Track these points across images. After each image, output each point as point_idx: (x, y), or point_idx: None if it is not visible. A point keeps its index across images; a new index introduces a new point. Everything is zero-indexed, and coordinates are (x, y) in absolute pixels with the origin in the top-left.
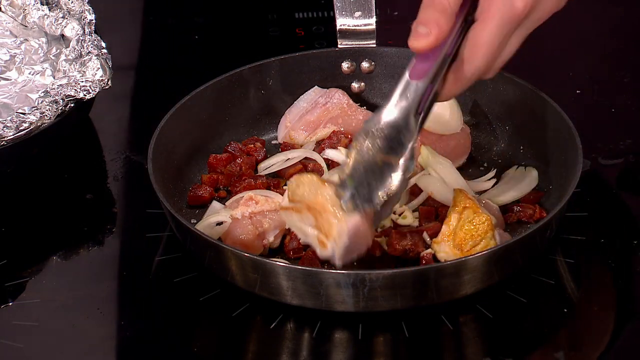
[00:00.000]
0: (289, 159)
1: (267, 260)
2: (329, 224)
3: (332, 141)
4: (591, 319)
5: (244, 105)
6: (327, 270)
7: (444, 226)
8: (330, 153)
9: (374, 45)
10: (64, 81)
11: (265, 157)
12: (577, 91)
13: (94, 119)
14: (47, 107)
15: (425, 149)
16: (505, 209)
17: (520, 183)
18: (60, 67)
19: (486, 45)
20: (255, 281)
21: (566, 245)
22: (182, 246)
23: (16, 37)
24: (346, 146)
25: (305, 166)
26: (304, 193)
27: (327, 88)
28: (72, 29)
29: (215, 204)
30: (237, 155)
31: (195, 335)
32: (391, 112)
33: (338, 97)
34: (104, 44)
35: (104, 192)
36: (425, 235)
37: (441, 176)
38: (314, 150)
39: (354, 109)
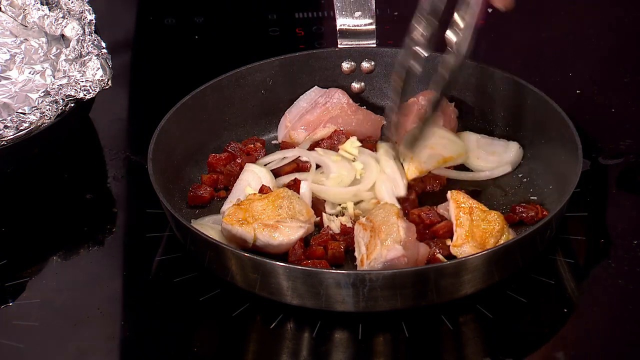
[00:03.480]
0: (285, 157)
1: (267, 261)
2: (374, 247)
3: (332, 141)
4: (591, 319)
5: (244, 105)
6: (327, 270)
7: (458, 229)
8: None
9: (374, 45)
10: (64, 81)
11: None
12: (577, 91)
13: (94, 119)
14: (47, 107)
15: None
16: (506, 209)
17: (501, 155)
18: (60, 67)
19: None
20: (255, 281)
21: (566, 245)
22: (182, 246)
23: (16, 37)
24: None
25: (298, 165)
26: (377, 216)
27: (327, 88)
28: (72, 29)
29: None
30: (236, 155)
31: (195, 335)
32: None
33: (338, 97)
34: (104, 44)
35: (104, 192)
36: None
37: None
38: (308, 148)
39: (354, 108)
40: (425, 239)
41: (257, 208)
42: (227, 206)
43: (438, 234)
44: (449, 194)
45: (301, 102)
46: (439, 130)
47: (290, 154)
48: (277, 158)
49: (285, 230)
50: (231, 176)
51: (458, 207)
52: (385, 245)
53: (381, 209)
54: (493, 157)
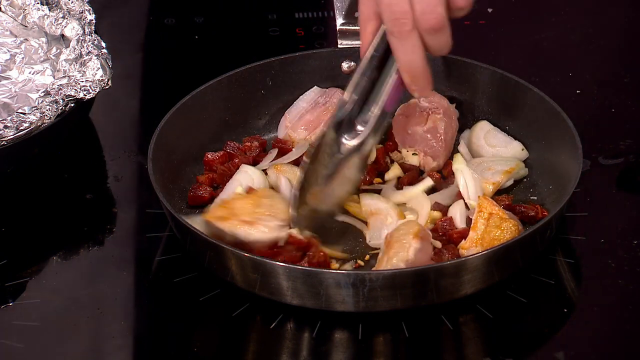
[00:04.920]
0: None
1: (267, 260)
2: (381, 262)
3: None
4: (591, 319)
5: (244, 105)
6: (327, 270)
7: (471, 232)
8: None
9: None
10: (64, 81)
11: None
12: (577, 91)
13: (94, 119)
14: (47, 107)
15: (459, 157)
16: (507, 209)
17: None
18: (60, 67)
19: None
20: (255, 281)
21: (566, 245)
22: (182, 246)
23: (16, 37)
24: None
25: None
26: (398, 231)
27: (327, 88)
28: (72, 29)
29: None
30: (234, 154)
31: (195, 335)
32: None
33: (338, 97)
34: (104, 44)
35: (104, 192)
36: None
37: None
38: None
39: None
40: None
41: (236, 205)
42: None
43: (452, 239)
44: (478, 198)
45: (301, 102)
46: (484, 158)
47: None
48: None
49: (261, 228)
50: (225, 175)
51: (480, 211)
52: (390, 263)
53: (404, 225)
54: (493, 150)
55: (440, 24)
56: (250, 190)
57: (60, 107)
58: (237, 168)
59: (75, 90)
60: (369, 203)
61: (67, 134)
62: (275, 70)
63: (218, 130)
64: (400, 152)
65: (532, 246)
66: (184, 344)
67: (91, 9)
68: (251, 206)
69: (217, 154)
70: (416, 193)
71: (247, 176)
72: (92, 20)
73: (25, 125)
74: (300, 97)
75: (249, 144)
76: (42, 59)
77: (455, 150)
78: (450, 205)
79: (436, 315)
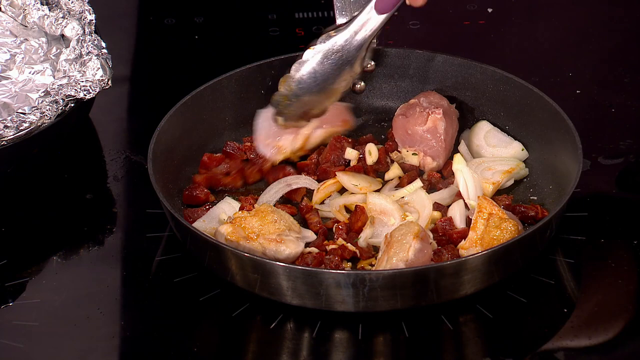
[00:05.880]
0: (289, 184)
1: (267, 261)
2: (381, 261)
3: (335, 150)
4: (591, 319)
5: (244, 105)
6: (327, 270)
7: (470, 232)
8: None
9: (374, 45)
10: (64, 81)
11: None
12: (577, 91)
13: (94, 119)
14: (47, 107)
15: (459, 157)
16: (507, 209)
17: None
18: (60, 67)
19: None
20: (255, 281)
21: (566, 245)
22: (182, 246)
23: (16, 37)
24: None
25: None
26: (398, 231)
27: None
28: (72, 29)
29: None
30: (234, 154)
31: (195, 335)
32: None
33: None
34: (104, 44)
35: (104, 192)
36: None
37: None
38: (316, 157)
39: None
40: (441, 244)
41: (254, 224)
42: (200, 226)
43: (452, 239)
44: (477, 198)
45: (261, 122)
46: (484, 158)
47: (294, 181)
48: (282, 185)
49: (290, 243)
50: (217, 177)
51: (479, 211)
52: (390, 263)
53: (404, 226)
54: (493, 150)
55: None
56: (248, 208)
57: (60, 107)
58: (232, 169)
59: (75, 90)
60: (375, 202)
61: (67, 134)
62: (275, 70)
63: (218, 130)
64: (400, 152)
65: (532, 246)
66: (184, 344)
67: (91, 9)
68: (268, 223)
69: (214, 154)
70: (404, 194)
71: (229, 206)
72: (92, 20)
73: (25, 125)
74: (257, 121)
75: (249, 144)
76: (42, 59)
77: (455, 150)
78: (450, 205)
79: (436, 315)
